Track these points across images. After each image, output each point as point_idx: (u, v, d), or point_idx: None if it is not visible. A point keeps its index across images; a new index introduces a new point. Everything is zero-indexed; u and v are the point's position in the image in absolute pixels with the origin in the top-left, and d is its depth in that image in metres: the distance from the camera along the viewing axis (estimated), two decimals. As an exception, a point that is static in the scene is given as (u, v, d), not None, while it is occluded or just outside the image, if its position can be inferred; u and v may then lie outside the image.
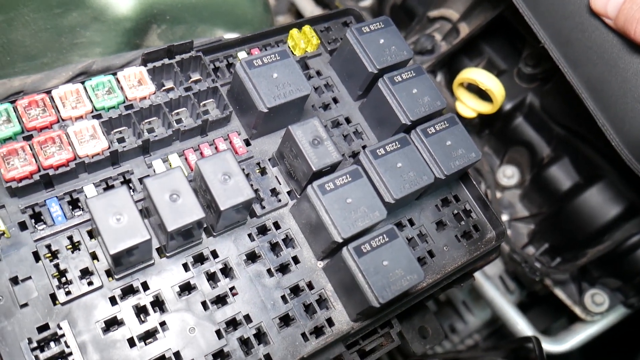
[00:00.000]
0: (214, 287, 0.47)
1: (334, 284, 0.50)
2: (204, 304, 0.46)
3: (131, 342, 0.44)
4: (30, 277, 0.43)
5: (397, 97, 0.55)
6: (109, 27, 0.64)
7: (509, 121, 0.94)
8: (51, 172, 0.45)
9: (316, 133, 0.50)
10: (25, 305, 0.43)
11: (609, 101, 0.64)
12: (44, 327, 0.42)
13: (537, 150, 0.92)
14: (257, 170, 0.53)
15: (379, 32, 0.57)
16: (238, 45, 0.58)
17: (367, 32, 0.57)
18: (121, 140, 0.50)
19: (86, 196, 0.47)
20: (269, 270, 0.49)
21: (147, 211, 0.46)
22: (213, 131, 0.53)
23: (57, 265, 0.44)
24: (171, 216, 0.42)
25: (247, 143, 0.54)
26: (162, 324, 0.45)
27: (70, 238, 0.45)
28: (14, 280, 0.43)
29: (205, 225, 0.48)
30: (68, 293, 0.43)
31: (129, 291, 0.45)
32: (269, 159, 0.54)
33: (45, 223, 0.46)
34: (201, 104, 0.53)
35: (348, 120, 0.59)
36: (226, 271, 0.48)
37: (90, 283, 0.44)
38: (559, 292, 0.93)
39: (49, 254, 0.44)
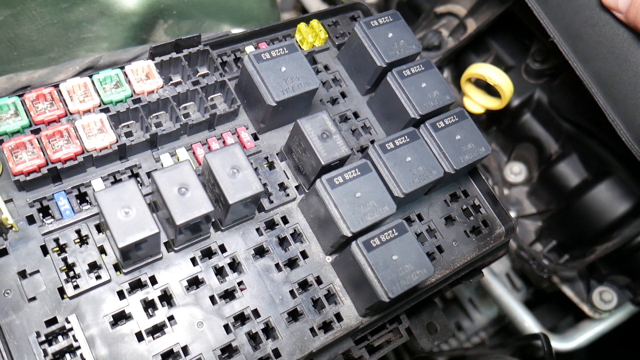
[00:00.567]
0: (222, 282, 0.47)
1: (343, 279, 0.50)
2: (212, 298, 0.46)
3: (139, 336, 0.43)
4: (38, 271, 0.43)
5: (406, 91, 0.54)
6: (115, 21, 0.63)
7: (517, 117, 0.94)
8: (59, 165, 0.45)
9: (325, 127, 0.49)
10: (34, 299, 0.42)
11: (619, 96, 0.64)
12: (52, 321, 0.42)
13: (544, 146, 0.92)
14: (265, 165, 0.53)
15: (387, 26, 0.57)
16: (246, 39, 0.58)
17: (376, 26, 0.57)
18: (129, 134, 0.49)
19: (94, 190, 0.47)
20: (277, 265, 0.49)
21: (156, 205, 0.46)
22: (221, 125, 0.53)
23: (65, 259, 0.44)
24: (180, 210, 0.42)
25: (255, 137, 0.54)
26: (170, 318, 0.45)
27: (78, 232, 0.45)
28: (22, 274, 0.43)
29: (213, 220, 0.48)
30: (76, 287, 0.43)
31: (137, 285, 0.45)
32: (277, 154, 0.53)
33: (53, 217, 0.45)
34: (209, 98, 0.53)
35: (356, 115, 0.59)
36: (234, 266, 0.48)
37: (98, 277, 0.44)
38: (567, 290, 0.93)
39: (57, 248, 0.44)
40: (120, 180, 0.48)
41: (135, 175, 0.49)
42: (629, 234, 0.80)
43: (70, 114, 0.47)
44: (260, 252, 0.49)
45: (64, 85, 0.47)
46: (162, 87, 0.50)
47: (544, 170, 0.91)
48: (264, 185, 0.51)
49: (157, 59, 0.51)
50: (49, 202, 0.46)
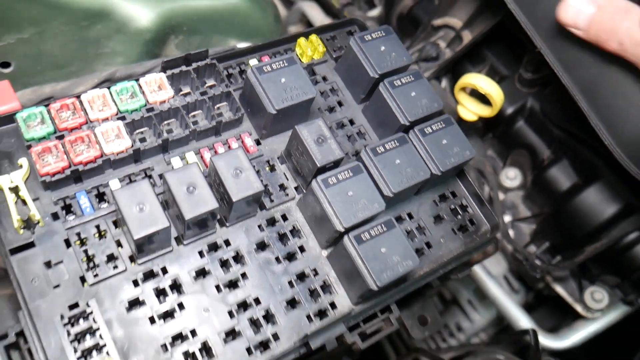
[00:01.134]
0: (226, 273, 0.52)
1: (337, 271, 0.54)
2: (217, 287, 0.51)
3: (152, 320, 0.48)
4: (62, 261, 0.48)
5: (396, 99, 0.59)
6: (130, 38, 0.69)
7: (511, 125, 0.98)
8: (80, 167, 0.50)
9: (320, 132, 0.54)
10: (58, 286, 0.47)
11: (601, 103, 0.68)
12: (74, 305, 0.47)
13: (537, 152, 0.96)
14: (267, 168, 0.57)
15: (380, 40, 0.62)
16: (249, 53, 0.63)
17: (369, 40, 0.62)
18: (143, 139, 0.55)
19: (111, 189, 0.52)
20: (277, 258, 0.54)
21: (167, 203, 0.51)
22: (226, 132, 0.58)
23: (85, 251, 0.49)
24: (188, 206, 0.47)
25: (258, 143, 0.59)
26: (180, 304, 0.49)
27: (97, 227, 0.50)
28: (48, 264, 0.48)
29: (218, 217, 0.53)
30: (95, 276, 0.48)
31: (149, 275, 0.50)
32: (278, 157, 0.58)
33: (74, 214, 0.51)
34: (215, 107, 0.58)
35: (352, 122, 0.63)
36: (238, 258, 0.53)
37: (115, 267, 0.49)
38: (560, 290, 0.96)
39: (79, 241, 0.49)
40: (135, 181, 0.53)
41: (149, 177, 0.54)
42: (616, 235, 0.84)
43: (91, 121, 0.52)
44: (261, 246, 0.54)
45: (84, 96, 0.52)
46: (173, 97, 0.55)
47: (537, 175, 0.95)
48: (266, 185, 0.56)
49: (169, 72, 0.56)
50: (71, 200, 0.51)
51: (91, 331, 0.46)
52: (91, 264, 0.49)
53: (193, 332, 0.49)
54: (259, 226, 0.55)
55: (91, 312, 0.47)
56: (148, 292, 0.49)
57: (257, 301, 0.51)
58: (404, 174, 0.55)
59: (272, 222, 0.55)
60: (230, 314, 0.50)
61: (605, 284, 0.93)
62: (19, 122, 0.50)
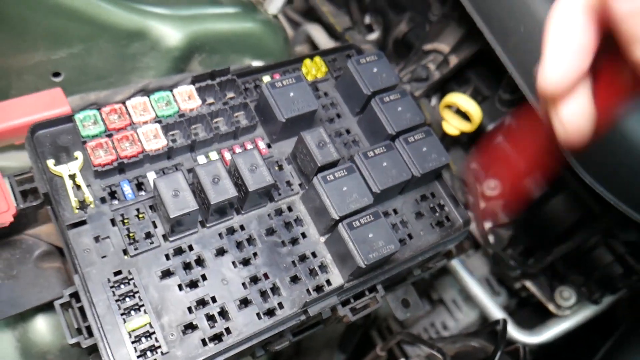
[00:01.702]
0: (241, 252, 0.62)
1: (332, 254, 0.65)
2: (233, 263, 0.61)
3: (180, 287, 0.58)
4: (108, 237, 0.59)
5: (385, 113, 0.70)
6: (161, 55, 0.81)
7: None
8: (125, 161, 0.61)
9: (321, 138, 0.65)
10: (105, 256, 0.58)
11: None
12: (118, 272, 0.57)
13: (514, 165, 1.07)
14: (276, 167, 0.68)
15: (373, 63, 0.73)
16: (264, 71, 0.75)
17: (364, 63, 0.73)
18: (174, 140, 0.66)
19: (148, 180, 0.63)
20: (282, 242, 0.64)
21: (194, 193, 0.62)
22: (243, 136, 0.69)
23: (127, 229, 0.59)
24: (214, 193, 0.58)
25: (269, 146, 0.70)
26: (203, 276, 0.59)
27: (137, 210, 0.60)
28: (96, 239, 0.58)
29: (236, 206, 0.64)
30: (135, 249, 0.58)
31: (179, 251, 0.60)
32: (286, 159, 0.69)
33: (118, 199, 0.61)
34: (234, 115, 0.69)
35: (348, 131, 0.75)
36: (250, 241, 0.63)
37: (151, 243, 0.59)
38: (534, 289, 1.07)
39: (122, 221, 0.60)
40: (168, 173, 0.64)
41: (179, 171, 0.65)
42: (579, 239, 0.94)
43: (134, 124, 0.63)
44: (270, 232, 0.65)
45: (129, 103, 0.64)
46: (200, 105, 0.67)
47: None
48: (275, 181, 0.67)
49: (197, 85, 0.68)
50: (116, 187, 0.61)
51: (131, 294, 0.57)
52: (132, 240, 0.59)
53: (213, 299, 0.59)
54: (269, 215, 0.65)
55: (132, 278, 0.57)
56: (177, 264, 0.60)
57: (265, 276, 0.62)
58: (390, 174, 0.66)
59: (279, 212, 0.66)
60: (244, 285, 0.60)
61: (573, 283, 1.04)
62: (77, 122, 0.61)
